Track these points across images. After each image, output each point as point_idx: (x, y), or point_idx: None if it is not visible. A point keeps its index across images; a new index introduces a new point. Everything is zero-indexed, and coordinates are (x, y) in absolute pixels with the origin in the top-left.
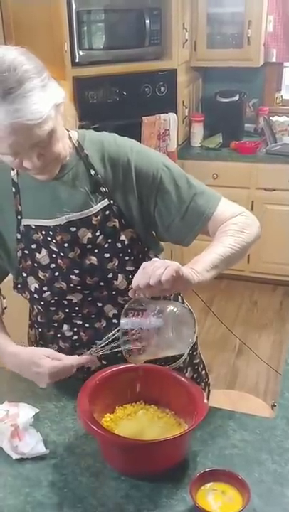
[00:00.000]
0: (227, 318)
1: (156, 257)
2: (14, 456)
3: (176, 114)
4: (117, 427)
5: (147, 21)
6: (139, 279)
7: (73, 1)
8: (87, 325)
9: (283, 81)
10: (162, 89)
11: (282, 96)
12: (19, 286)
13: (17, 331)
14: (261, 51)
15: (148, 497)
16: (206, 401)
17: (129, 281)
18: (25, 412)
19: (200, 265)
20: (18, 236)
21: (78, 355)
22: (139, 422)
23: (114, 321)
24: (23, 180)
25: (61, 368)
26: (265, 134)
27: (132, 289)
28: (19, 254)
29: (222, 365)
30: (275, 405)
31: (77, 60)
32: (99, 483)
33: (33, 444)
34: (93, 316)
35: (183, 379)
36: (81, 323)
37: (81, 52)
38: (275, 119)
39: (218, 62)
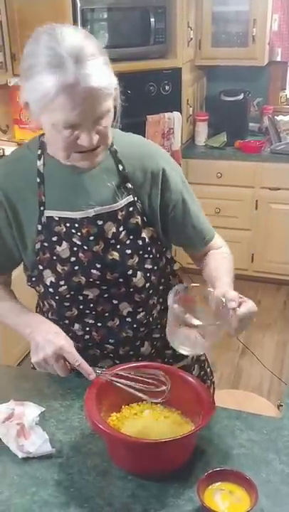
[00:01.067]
0: None
1: (172, 258)
2: (20, 455)
3: (181, 112)
4: (123, 426)
5: (152, 19)
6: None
7: (78, 0)
8: (99, 324)
9: (288, 80)
10: (167, 87)
11: (286, 95)
12: (33, 279)
13: None
14: (266, 50)
15: (155, 497)
16: (212, 400)
17: (147, 279)
18: (31, 411)
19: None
20: (39, 227)
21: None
22: (145, 421)
23: (128, 319)
24: (49, 171)
25: (71, 351)
26: (269, 133)
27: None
28: (37, 246)
29: (226, 364)
30: (281, 405)
31: None
32: (105, 483)
33: (39, 443)
34: (107, 314)
35: (190, 378)
36: (93, 322)
37: None
38: (279, 118)
39: (223, 61)
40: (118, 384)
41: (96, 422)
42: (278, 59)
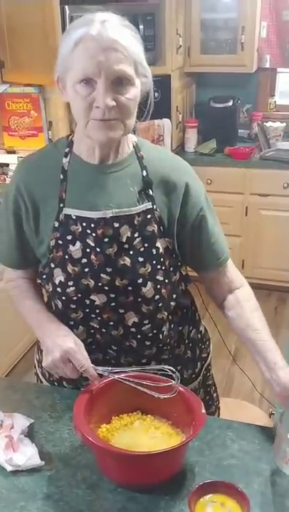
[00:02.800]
0: (222, 323)
1: (187, 275)
2: (9, 469)
3: (170, 119)
4: (113, 437)
5: (141, 27)
6: None
7: (66, 7)
8: (104, 330)
9: (277, 86)
10: (156, 94)
11: (275, 101)
12: (44, 276)
13: (20, 331)
14: (255, 57)
15: (145, 509)
16: (203, 411)
17: (157, 291)
18: (19, 423)
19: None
20: (56, 224)
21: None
22: (135, 433)
23: (132, 329)
24: (73, 169)
25: (76, 356)
26: (258, 139)
27: None
28: (52, 243)
29: (217, 371)
30: (273, 414)
31: None
32: (95, 496)
33: (28, 455)
34: (112, 322)
35: (180, 388)
36: (98, 327)
37: None
38: (268, 124)
39: (212, 68)
40: (126, 382)
41: (85, 434)
42: (267, 66)
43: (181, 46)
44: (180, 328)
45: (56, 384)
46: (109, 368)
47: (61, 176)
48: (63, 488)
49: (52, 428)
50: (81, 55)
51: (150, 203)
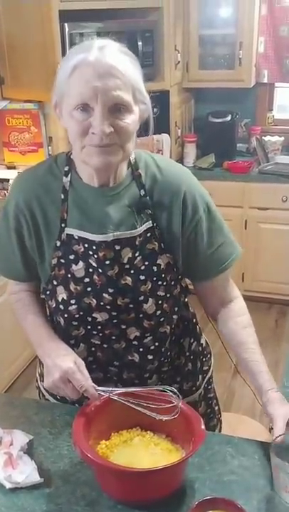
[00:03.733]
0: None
1: (187, 287)
2: (8, 486)
3: (169, 134)
4: (112, 454)
5: (140, 43)
6: None
7: (66, 24)
8: (105, 345)
9: (275, 101)
10: (155, 110)
11: (273, 116)
12: (48, 292)
13: (19, 346)
14: (253, 72)
15: None
16: (203, 427)
17: (158, 307)
18: (19, 439)
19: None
20: (58, 243)
21: (94, 378)
22: (135, 449)
23: (134, 343)
24: (74, 189)
25: (75, 376)
26: (257, 153)
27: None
28: (54, 261)
29: (218, 385)
30: (272, 429)
31: None
32: None
33: (27, 472)
34: (114, 337)
35: (180, 405)
36: (99, 343)
37: None
38: (267, 138)
39: (210, 83)
40: (127, 403)
41: (84, 450)
42: (265, 80)
43: (179, 62)
44: (181, 340)
45: (59, 397)
46: (110, 389)
47: (62, 196)
48: (63, 505)
49: (51, 444)
50: (77, 80)
51: (150, 221)
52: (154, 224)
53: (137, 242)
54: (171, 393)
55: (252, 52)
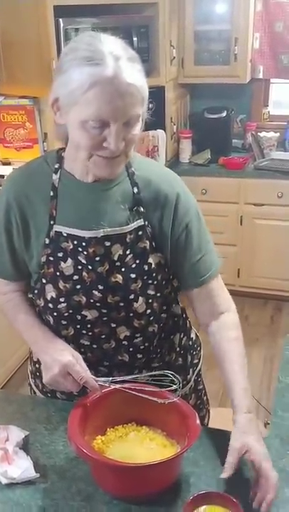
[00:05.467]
0: None
1: (178, 287)
2: (4, 482)
3: (165, 130)
4: (108, 449)
5: (135, 39)
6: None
7: (61, 20)
8: (94, 346)
9: (270, 97)
10: (150, 105)
11: (269, 112)
12: (36, 291)
13: (15, 343)
14: (248, 68)
15: None
16: (198, 422)
17: (148, 306)
18: (15, 435)
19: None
20: (47, 241)
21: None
22: (130, 444)
23: (124, 343)
24: (64, 186)
25: (74, 368)
26: (252, 149)
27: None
28: (43, 259)
29: (213, 381)
30: (268, 423)
31: None
32: (90, 508)
33: (23, 468)
34: (103, 336)
35: (175, 399)
36: (89, 343)
37: None
38: (262, 134)
39: (206, 79)
40: (127, 390)
41: (79, 446)
42: (260, 76)
43: (175, 57)
44: (171, 336)
45: (49, 395)
46: (110, 378)
47: (51, 193)
48: (58, 500)
49: (47, 440)
50: (97, 97)
51: (142, 219)
52: (146, 222)
53: (127, 239)
54: (172, 377)
55: (247, 48)
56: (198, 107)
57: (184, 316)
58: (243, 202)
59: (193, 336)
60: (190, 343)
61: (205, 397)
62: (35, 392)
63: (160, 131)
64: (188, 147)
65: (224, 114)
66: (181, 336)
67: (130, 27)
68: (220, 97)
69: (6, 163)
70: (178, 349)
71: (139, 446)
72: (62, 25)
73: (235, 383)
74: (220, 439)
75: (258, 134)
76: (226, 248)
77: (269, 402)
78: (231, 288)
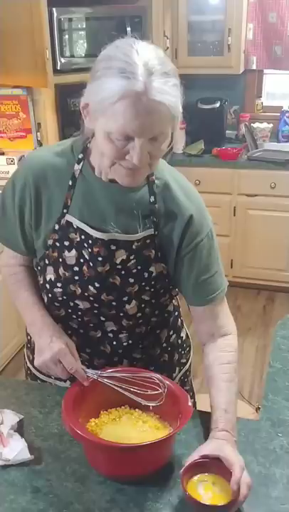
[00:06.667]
0: None
1: (176, 295)
2: None
3: None
4: (101, 431)
5: (128, 29)
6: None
7: (54, 9)
8: (81, 331)
9: (264, 88)
10: None
11: (262, 103)
12: (39, 268)
13: (10, 332)
14: (241, 58)
15: (133, 501)
16: (190, 404)
17: (140, 309)
18: (9, 419)
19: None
20: (56, 227)
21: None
22: (123, 427)
23: (110, 335)
24: (84, 180)
25: (66, 358)
26: (246, 140)
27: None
28: (50, 242)
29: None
30: (259, 408)
31: (58, 68)
32: (84, 488)
33: (17, 450)
34: (91, 325)
35: (168, 382)
36: (76, 327)
37: (63, 60)
38: (256, 125)
39: (199, 70)
40: (114, 387)
41: (73, 427)
42: (253, 67)
43: (168, 48)
44: (157, 331)
45: (45, 376)
46: (98, 372)
47: (70, 182)
48: (52, 481)
49: (41, 424)
50: (124, 111)
51: (152, 229)
52: (156, 232)
53: (133, 246)
54: (157, 380)
55: (241, 39)
56: (192, 98)
57: (176, 314)
58: (236, 192)
59: (183, 335)
60: (179, 341)
61: (192, 400)
62: (26, 362)
63: None
64: (182, 138)
65: (218, 104)
66: (170, 332)
67: (124, 17)
68: (213, 87)
69: (0, 153)
70: (164, 345)
71: (132, 429)
72: (55, 14)
73: (217, 404)
74: None
75: (252, 124)
76: (219, 239)
77: (261, 391)
78: None
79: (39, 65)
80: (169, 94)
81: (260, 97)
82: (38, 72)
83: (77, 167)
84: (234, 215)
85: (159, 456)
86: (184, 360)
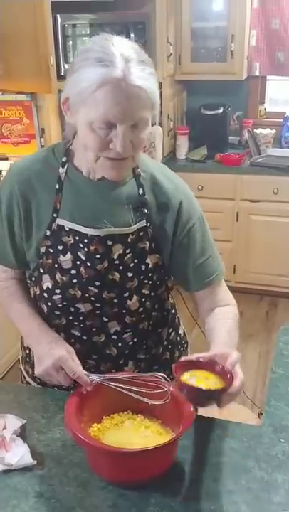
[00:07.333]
0: None
1: (172, 287)
2: (1, 468)
3: (162, 126)
4: (104, 436)
5: (132, 35)
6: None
7: (58, 16)
8: (85, 337)
9: (266, 94)
10: None
11: (265, 109)
12: (33, 279)
13: (11, 339)
14: (244, 65)
15: (136, 506)
16: (192, 409)
17: (141, 304)
18: (12, 424)
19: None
20: (48, 233)
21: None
22: (126, 432)
23: (114, 337)
24: (70, 181)
25: (68, 363)
26: (249, 146)
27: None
28: (42, 250)
29: None
30: (261, 413)
31: (62, 74)
32: (86, 493)
33: (20, 455)
34: (94, 329)
35: (170, 388)
36: (79, 334)
37: (66, 66)
38: (259, 131)
39: (203, 76)
40: (119, 389)
41: (75, 432)
42: (256, 73)
43: (171, 54)
44: (159, 330)
45: (39, 381)
46: (102, 375)
47: (57, 186)
48: (55, 486)
49: (44, 428)
50: (105, 98)
51: (144, 220)
52: (148, 224)
53: (129, 240)
54: (162, 379)
55: (244, 45)
56: (195, 104)
57: (174, 311)
58: (239, 198)
59: (181, 332)
60: (178, 338)
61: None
62: (25, 378)
63: (157, 128)
64: (185, 143)
65: (221, 110)
66: (170, 330)
67: (127, 23)
68: (216, 93)
69: (3, 159)
70: (165, 343)
71: (135, 434)
72: (59, 21)
73: (217, 341)
74: (214, 428)
75: (255, 130)
76: (222, 244)
77: (264, 397)
78: (227, 284)
79: (43, 71)
80: (147, 80)
81: (263, 102)
82: (42, 78)
83: (62, 170)
84: (237, 220)
85: (162, 462)
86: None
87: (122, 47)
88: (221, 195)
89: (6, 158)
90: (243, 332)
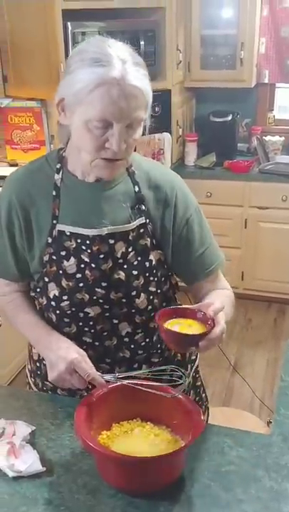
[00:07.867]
0: None
1: (176, 284)
2: (10, 474)
3: (171, 133)
4: (113, 444)
5: (142, 43)
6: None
7: (69, 23)
8: (96, 343)
9: (275, 101)
10: (156, 109)
11: (274, 116)
12: (38, 290)
13: (18, 344)
14: (254, 72)
15: None
16: (202, 418)
17: (150, 302)
18: (21, 430)
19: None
20: (49, 240)
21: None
22: (135, 439)
23: (126, 339)
24: (66, 186)
25: (81, 366)
26: (257, 153)
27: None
28: (46, 258)
29: (217, 381)
30: (270, 422)
31: None
32: (96, 501)
33: (29, 461)
34: (105, 333)
35: (180, 396)
36: (91, 341)
37: None
38: (267, 138)
39: (212, 83)
40: (135, 386)
41: (85, 439)
42: (266, 81)
43: (181, 62)
44: None
45: (50, 392)
46: (116, 374)
47: (54, 193)
48: (64, 493)
49: (53, 435)
50: (102, 97)
51: (143, 217)
52: (147, 220)
53: (130, 237)
54: (179, 372)
55: (253, 53)
56: (204, 111)
57: None
58: (247, 205)
59: None
60: None
61: (204, 394)
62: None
63: (166, 134)
64: (194, 150)
65: (230, 117)
66: None
67: (137, 31)
68: (225, 101)
69: (14, 165)
70: None
71: (144, 442)
72: (70, 28)
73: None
74: (223, 436)
75: (263, 138)
76: (230, 251)
77: (272, 404)
78: (235, 291)
79: (54, 78)
80: (143, 80)
81: (272, 110)
82: (53, 85)
83: (57, 176)
84: (245, 227)
85: (171, 470)
86: (193, 357)
87: (118, 49)
88: (229, 202)
89: (16, 165)
90: (251, 339)
